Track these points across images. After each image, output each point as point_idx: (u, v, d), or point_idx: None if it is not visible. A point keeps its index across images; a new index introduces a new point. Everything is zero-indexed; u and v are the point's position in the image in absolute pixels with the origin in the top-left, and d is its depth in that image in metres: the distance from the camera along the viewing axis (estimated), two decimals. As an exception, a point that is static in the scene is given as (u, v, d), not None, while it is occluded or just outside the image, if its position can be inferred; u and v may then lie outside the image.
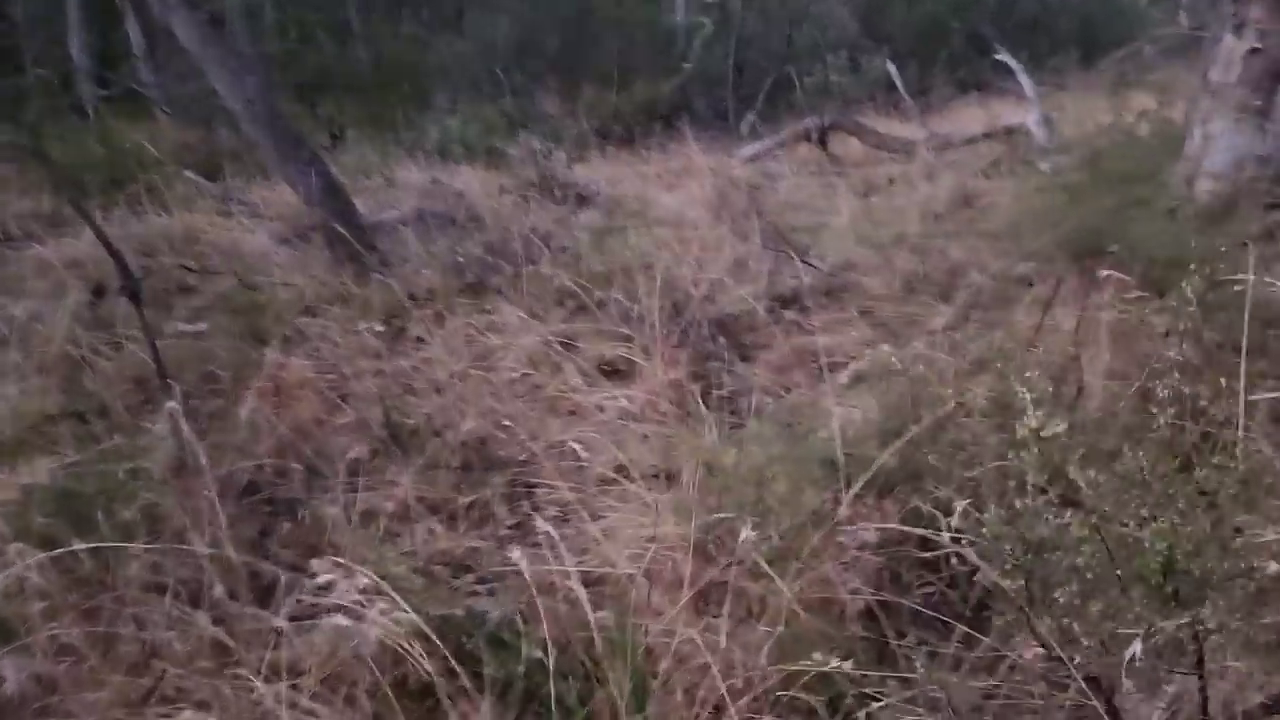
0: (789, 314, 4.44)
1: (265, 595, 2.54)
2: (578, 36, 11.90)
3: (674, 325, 4.06)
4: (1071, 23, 13.90)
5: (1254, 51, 4.95)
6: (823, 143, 9.09)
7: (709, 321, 4.17)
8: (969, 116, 9.95)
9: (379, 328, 4.84)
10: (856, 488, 2.27)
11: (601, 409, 3.53)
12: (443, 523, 2.93)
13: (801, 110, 10.11)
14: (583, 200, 6.79)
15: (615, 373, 4.00)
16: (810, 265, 4.87)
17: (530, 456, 3.27)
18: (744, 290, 4.69)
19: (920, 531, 2.02)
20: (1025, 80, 8.21)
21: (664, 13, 13.17)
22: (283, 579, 2.49)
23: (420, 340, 4.45)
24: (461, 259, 5.05)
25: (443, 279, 4.97)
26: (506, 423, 3.46)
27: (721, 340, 4.09)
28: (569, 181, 7.30)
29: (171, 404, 2.72)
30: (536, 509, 2.98)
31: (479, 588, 2.55)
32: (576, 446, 3.33)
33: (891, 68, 9.52)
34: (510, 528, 2.92)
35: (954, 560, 1.86)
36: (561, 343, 4.16)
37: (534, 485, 3.12)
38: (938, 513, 1.91)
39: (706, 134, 10.40)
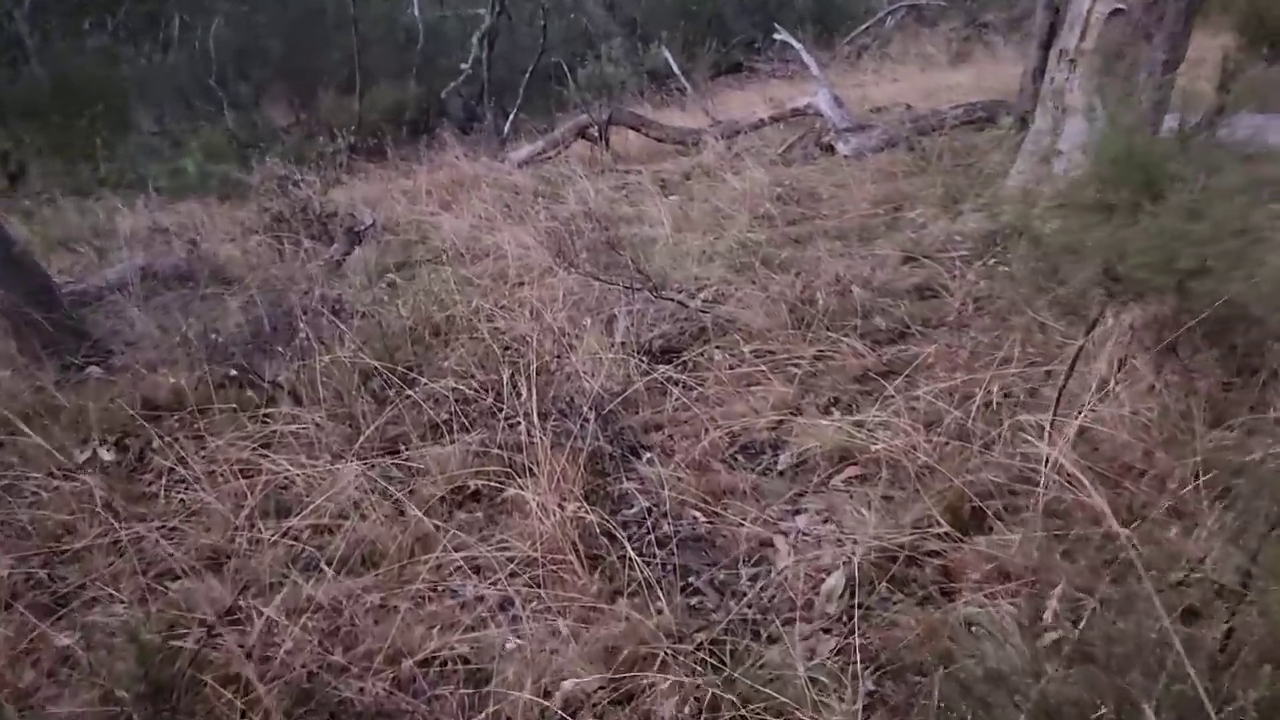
0: (674, 372, 3.34)
1: None
2: (306, 37, 10.19)
3: (546, 415, 2.87)
4: (807, 1, 13.57)
5: (1116, 13, 4.32)
6: (603, 138, 8.04)
7: (586, 402, 2.99)
8: (745, 100, 9.20)
9: (107, 455, 3.34)
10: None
11: (479, 573, 2.31)
12: None
13: (569, 105, 9.02)
14: (352, 235, 5.38)
15: (476, 499, 2.76)
16: (676, 301, 3.80)
17: (393, 695, 2.00)
18: (605, 343, 3.56)
19: None
20: (809, 59, 7.51)
21: (399, 8, 11.62)
22: None
23: (173, 474, 3.01)
24: (218, 340, 3.59)
25: (192, 373, 3.50)
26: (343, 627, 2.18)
27: (611, 429, 2.94)
28: (329, 212, 5.84)
29: None
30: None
31: None
32: (468, 658, 2.11)
33: (667, 54, 8.60)
34: None
35: None
36: (389, 460, 2.89)
37: (416, 757, 1.87)
38: None
39: (467, 138, 9.09)
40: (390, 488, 2.81)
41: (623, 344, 3.55)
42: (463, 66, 8.89)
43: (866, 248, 4.58)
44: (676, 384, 3.29)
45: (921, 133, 6.91)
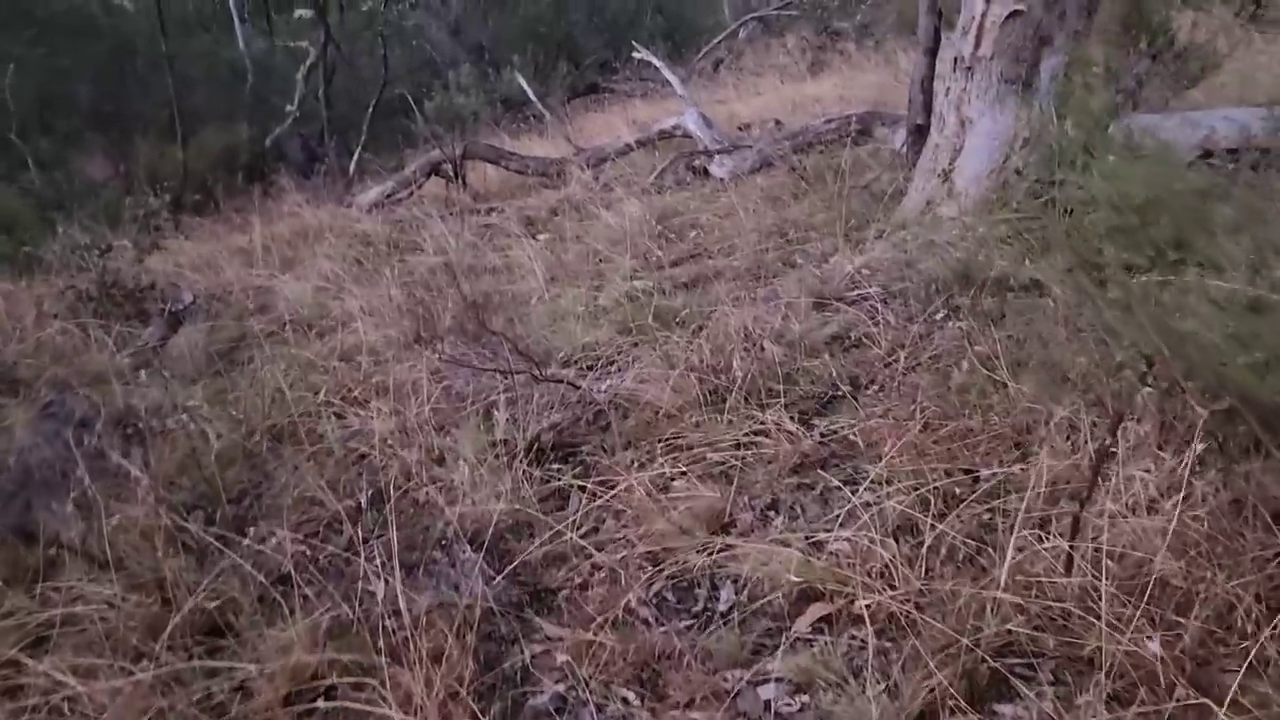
0: (572, 477, 2.68)
1: None
2: (117, 81, 9.06)
3: (415, 567, 2.17)
4: (656, 18, 13.13)
5: (1014, 15, 3.90)
6: (459, 175, 7.31)
7: (466, 538, 2.30)
8: (607, 123, 8.61)
9: None
10: None
11: None
12: None
13: (418, 140, 8.24)
14: (170, 315, 4.50)
15: (330, 694, 2.03)
16: (565, 383, 3.13)
17: None
18: (483, 442, 2.87)
19: None
20: (673, 78, 6.97)
21: (223, 43, 10.54)
22: None
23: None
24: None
25: (-54, 534, 2.64)
26: None
27: (501, 576, 2.24)
28: (144, 285, 4.95)
29: None
30: None
31: None
32: None
33: (521, 79, 7.91)
34: None
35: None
36: (209, 655, 2.13)
37: None
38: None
39: (309, 182, 8.21)
40: (212, 689, 2.08)
41: (504, 442, 2.88)
42: (289, 108, 7.96)
43: (767, 289, 4.03)
44: (579, 491, 2.65)
45: (798, 150, 6.45)
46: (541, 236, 5.89)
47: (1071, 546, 1.78)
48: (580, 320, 3.88)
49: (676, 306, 3.85)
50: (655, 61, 7.32)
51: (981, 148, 4.18)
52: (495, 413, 3.03)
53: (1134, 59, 4.89)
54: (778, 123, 7.84)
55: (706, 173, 6.70)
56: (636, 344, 3.51)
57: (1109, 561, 1.84)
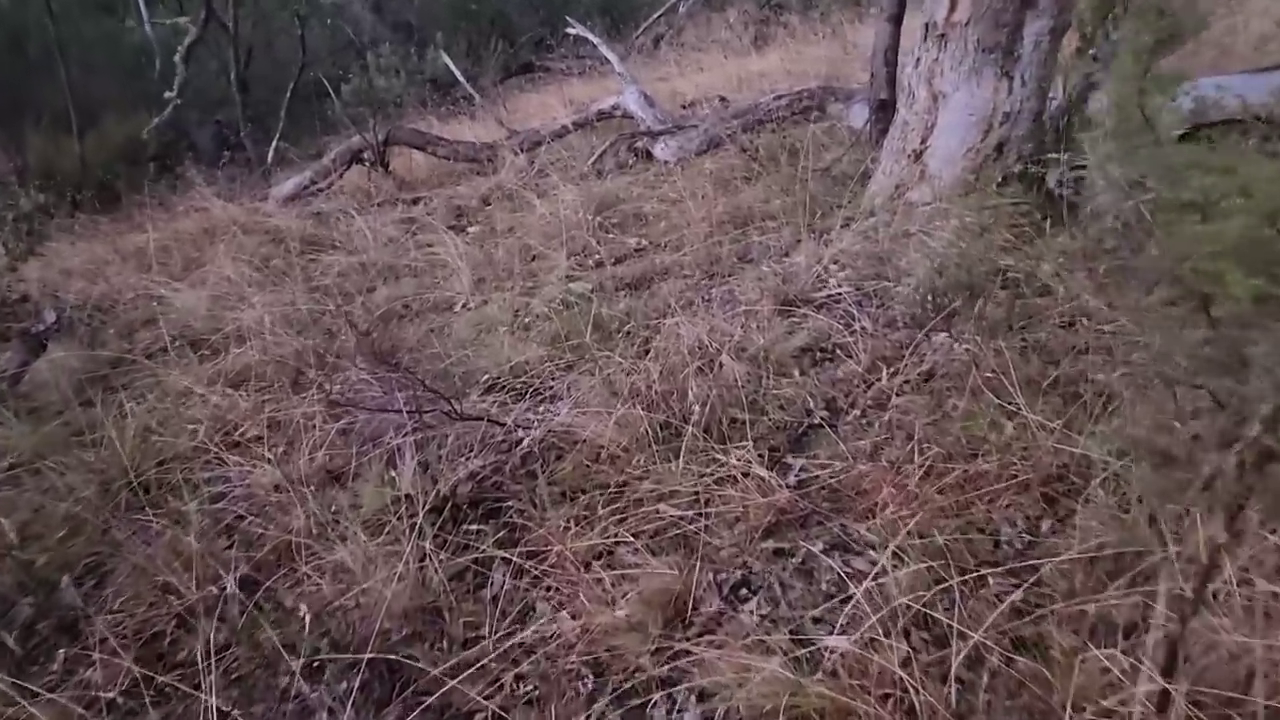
0: (492, 545, 2.12)
1: None
2: (8, 68, 8.18)
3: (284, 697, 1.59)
4: (593, -8, 12.44)
5: (993, -27, 3.37)
6: (382, 163, 6.63)
7: (356, 645, 1.73)
8: (542, 104, 7.95)
9: None
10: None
11: None
12: None
13: (342, 125, 7.53)
14: (31, 337, 3.81)
15: None
16: (487, 420, 2.54)
17: None
18: (384, 497, 2.29)
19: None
20: (611, 55, 6.35)
21: (127, 26, 9.65)
22: None
23: None
24: None
25: None
26: None
27: (390, 707, 1.67)
28: (13, 299, 4.25)
29: None
30: None
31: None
32: None
33: (447, 59, 7.22)
34: None
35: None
36: None
37: None
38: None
39: (223, 174, 7.45)
40: None
41: (409, 498, 2.29)
42: (168, 95, 7.17)
43: (722, 289, 3.48)
44: (503, 564, 2.09)
45: (747, 129, 5.90)
46: (471, 229, 5.27)
47: (1168, 682, 1.26)
48: (509, 333, 3.30)
49: (619, 314, 3.28)
50: (592, 38, 6.69)
51: (957, 125, 3.66)
52: (402, 458, 2.44)
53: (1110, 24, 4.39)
54: (723, 100, 7.27)
55: (649, 155, 6.12)
56: (572, 365, 2.93)
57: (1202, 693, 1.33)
